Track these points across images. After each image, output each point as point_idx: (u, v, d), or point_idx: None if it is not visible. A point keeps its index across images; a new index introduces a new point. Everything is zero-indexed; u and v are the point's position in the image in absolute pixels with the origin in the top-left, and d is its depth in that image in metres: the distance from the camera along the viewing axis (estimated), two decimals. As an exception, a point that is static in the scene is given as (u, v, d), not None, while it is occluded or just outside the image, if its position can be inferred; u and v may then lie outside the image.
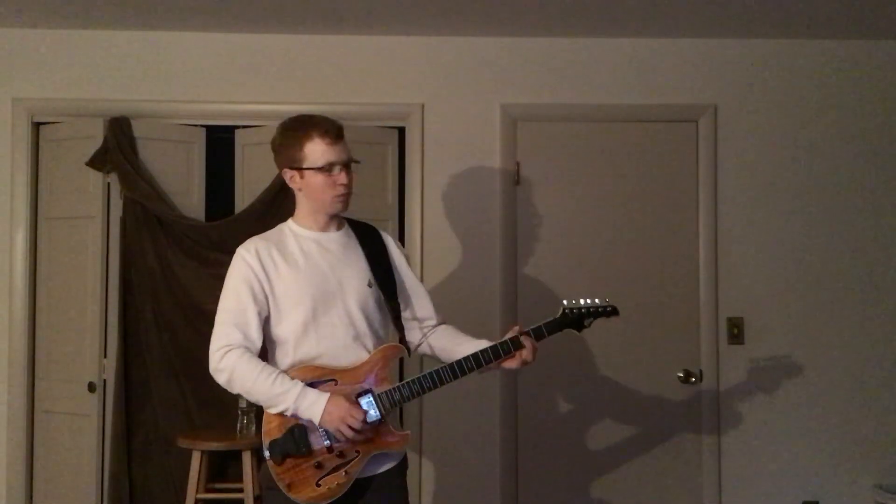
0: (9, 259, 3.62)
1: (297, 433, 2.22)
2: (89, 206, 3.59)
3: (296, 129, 2.34)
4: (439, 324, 2.54)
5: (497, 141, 3.72)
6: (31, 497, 3.62)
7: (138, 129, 3.61)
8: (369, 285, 2.36)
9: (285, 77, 3.71)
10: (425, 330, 2.52)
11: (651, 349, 3.72)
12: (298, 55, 3.72)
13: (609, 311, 2.51)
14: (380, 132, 3.75)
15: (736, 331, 3.72)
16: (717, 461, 3.70)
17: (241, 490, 3.27)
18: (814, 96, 3.79)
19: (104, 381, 3.55)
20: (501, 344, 2.38)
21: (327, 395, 2.20)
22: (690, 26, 3.64)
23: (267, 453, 2.23)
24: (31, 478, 3.62)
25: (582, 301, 2.49)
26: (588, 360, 3.69)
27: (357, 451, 2.24)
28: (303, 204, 2.40)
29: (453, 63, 3.75)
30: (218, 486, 3.43)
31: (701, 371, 3.71)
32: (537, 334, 2.42)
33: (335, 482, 2.22)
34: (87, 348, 3.57)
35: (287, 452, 2.21)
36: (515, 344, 2.38)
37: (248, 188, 3.66)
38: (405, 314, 2.49)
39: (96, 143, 3.56)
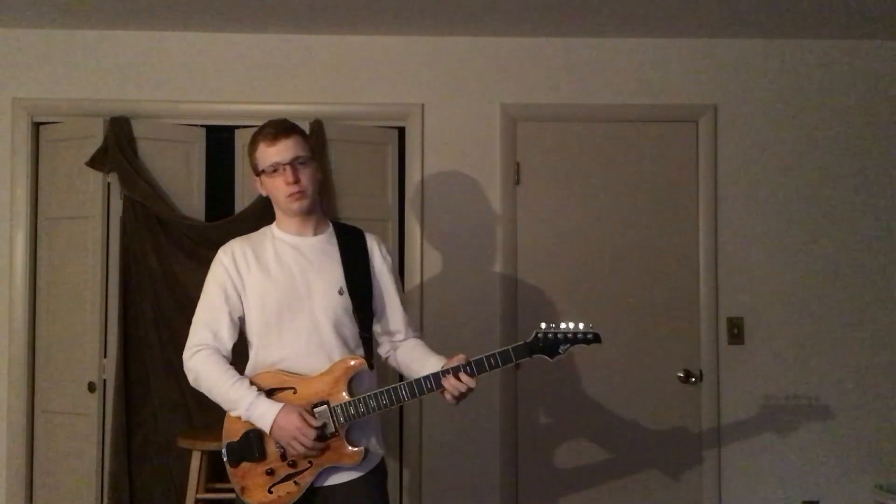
0: (9, 259, 3.63)
1: (252, 438, 2.22)
2: (89, 206, 3.59)
3: (251, 139, 2.39)
4: (409, 338, 2.47)
5: (497, 141, 3.72)
6: (31, 497, 3.62)
7: (138, 129, 3.61)
8: (340, 293, 2.32)
9: (285, 77, 3.71)
10: (394, 343, 2.47)
11: (651, 349, 3.72)
12: (298, 55, 3.72)
13: (589, 339, 2.29)
14: (380, 132, 3.75)
15: (736, 331, 3.72)
16: (716, 461, 3.70)
17: (241, 490, 3.27)
18: (814, 96, 3.79)
19: (104, 381, 3.54)
20: (439, 374, 2.23)
21: (279, 406, 2.18)
22: (690, 26, 3.64)
23: (224, 456, 2.25)
24: (31, 478, 3.62)
25: (562, 325, 2.28)
26: (588, 359, 3.69)
27: (309, 463, 2.22)
28: (275, 208, 2.42)
29: (453, 63, 3.75)
30: (218, 486, 3.42)
31: (701, 371, 3.71)
32: (479, 368, 2.22)
33: (285, 490, 2.22)
34: (87, 348, 3.57)
35: (242, 457, 2.23)
36: (460, 371, 2.20)
37: (248, 188, 3.65)
38: (377, 325, 2.42)
39: (96, 143, 3.56)
